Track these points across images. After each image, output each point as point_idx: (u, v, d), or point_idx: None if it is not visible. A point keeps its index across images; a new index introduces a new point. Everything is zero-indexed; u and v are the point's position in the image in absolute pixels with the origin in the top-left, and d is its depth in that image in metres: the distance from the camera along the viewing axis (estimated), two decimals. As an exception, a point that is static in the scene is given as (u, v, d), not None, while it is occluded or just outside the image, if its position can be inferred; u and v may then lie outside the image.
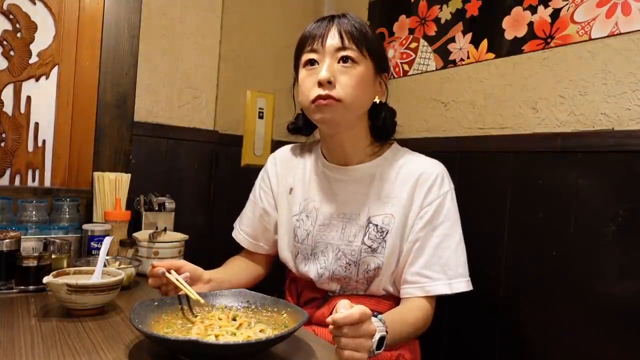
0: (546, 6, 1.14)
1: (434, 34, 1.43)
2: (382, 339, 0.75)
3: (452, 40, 1.37)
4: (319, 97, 0.93)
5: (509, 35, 1.22)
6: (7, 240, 1.01)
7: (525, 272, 1.14)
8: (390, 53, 1.57)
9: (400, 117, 1.11)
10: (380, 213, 1.01)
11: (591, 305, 1.02)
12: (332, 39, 0.95)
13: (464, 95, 1.33)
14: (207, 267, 1.05)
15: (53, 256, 1.06)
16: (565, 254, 1.06)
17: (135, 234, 1.26)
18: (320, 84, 0.93)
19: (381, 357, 0.84)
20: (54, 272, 0.92)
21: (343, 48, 0.95)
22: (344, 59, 0.94)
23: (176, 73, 1.56)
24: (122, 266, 1.08)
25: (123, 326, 0.84)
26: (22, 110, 1.35)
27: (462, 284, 0.96)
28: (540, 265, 1.11)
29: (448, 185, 1.01)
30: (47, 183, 1.39)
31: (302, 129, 1.12)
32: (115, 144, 1.46)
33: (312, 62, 0.97)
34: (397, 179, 1.02)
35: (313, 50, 0.97)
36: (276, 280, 1.22)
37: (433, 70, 1.43)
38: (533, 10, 1.17)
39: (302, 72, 0.99)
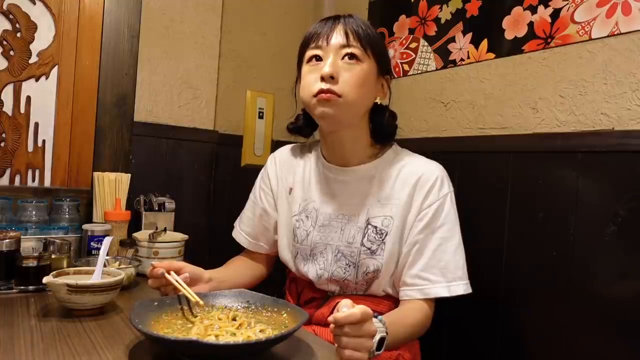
0: (546, 6, 1.14)
1: (434, 34, 1.43)
2: (382, 339, 0.75)
3: (452, 40, 1.37)
4: (321, 91, 0.93)
5: (509, 35, 1.22)
6: (7, 240, 1.01)
7: (525, 272, 1.14)
8: (390, 53, 1.57)
9: (400, 117, 1.11)
10: (380, 214, 1.01)
11: (591, 306, 1.02)
12: (337, 37, 0.96)
13: (464, 95, 1.33)
14: (207, 267, 1.05)
15: (53, 256, 1.06)
16: (565, 254, 1.06)
17: (135, 234, 1.26)
18: (322, 79, 0.94)
19: (381, 357, 0.84)
20: (54, 272, 0.92)
21: (348, 45, 0.95)
22: (349, 56, 0.95)
23: (176, 73, 1.56)
24: (122, 266, 1.08)
25: (123, 326, 0.84)
26: (22, 110, 1.35)
27: (460, 287, 0.96)
28: (540, 265, 1.10)
29: (447, 188, 1.01)
30: (47, 183, 1.39)
31: (302, 129, 1.12)
32: (115, 144, 1.46)
33: (316, 58, 0.97)
34: (397, 180, 1.02)
35: (317, 47, 0.97)
36: (276, 281, 1.23)
37: (433, 70, 1.43)
38: (533, 10, 1.17)
39: (306, 68, 1.00)
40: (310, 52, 0.99)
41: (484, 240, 1.21)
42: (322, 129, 1.05)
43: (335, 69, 0.94)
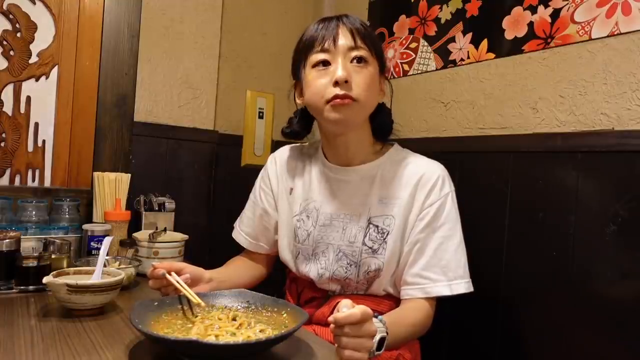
0: (546, 6, 1.14)
1: (434, 34, 1.43)
2: (382, 339, 0.75)
3: (452, 40, 1.37)
4: (336, 96, 0.92)
5: (509, 35, 1.22)
6: (7, 240, 1.01)
7: (525, 272, 1.14)
8: (390, 53, 1.57)
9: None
10: (381, 214, 1.01)
11: (591, 305, 1.02)
12: (344, 38, 0.95)
13: (464, 95, 1.33)
14: (207, 267, 1.05)
15: (53, 256, 1.06)
16: (565, 254, 1.06)
17: (135, 234, 1.26)
18: (337, 83, 0.92)
19: (381, 357, 0.84)
20: (54, 272, 0.92)
21: (355, 47, 0.94)
22: (358, 60, 0.94)
23: (176, 73, 1.56)
24: (122, 266, 1.08)
25: (123, 326, 0.84)
26: (22, 110, 1.35)
27: (462, 286, 0.96)
28: (540, 265, 1.10)
29: (449, 187, 1.01)
30: (47, 183, 1.39)
31: (298, 133, 1.10)
32: (115, 144, 1.46)
33: (324, 62, 0.95)
34: (398, 180, 1.02)
35: (324, 50, 0.95)
36: (276, 281, 1.23)
37: (433, 70, 1.43)
38: (533, 10, 1.17)
39: (312, 73, 0.97)
40: (316, 57, 0.96)
41: (484, 240, 1.21)
42: (327, 131, 1.03)
43: (348, 72, 0.92)
